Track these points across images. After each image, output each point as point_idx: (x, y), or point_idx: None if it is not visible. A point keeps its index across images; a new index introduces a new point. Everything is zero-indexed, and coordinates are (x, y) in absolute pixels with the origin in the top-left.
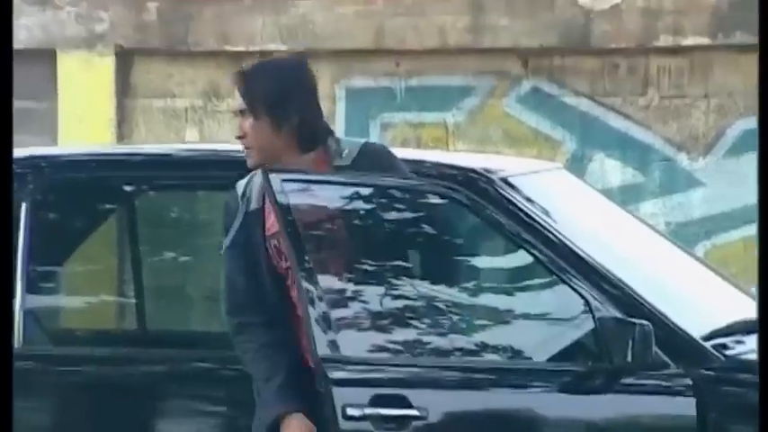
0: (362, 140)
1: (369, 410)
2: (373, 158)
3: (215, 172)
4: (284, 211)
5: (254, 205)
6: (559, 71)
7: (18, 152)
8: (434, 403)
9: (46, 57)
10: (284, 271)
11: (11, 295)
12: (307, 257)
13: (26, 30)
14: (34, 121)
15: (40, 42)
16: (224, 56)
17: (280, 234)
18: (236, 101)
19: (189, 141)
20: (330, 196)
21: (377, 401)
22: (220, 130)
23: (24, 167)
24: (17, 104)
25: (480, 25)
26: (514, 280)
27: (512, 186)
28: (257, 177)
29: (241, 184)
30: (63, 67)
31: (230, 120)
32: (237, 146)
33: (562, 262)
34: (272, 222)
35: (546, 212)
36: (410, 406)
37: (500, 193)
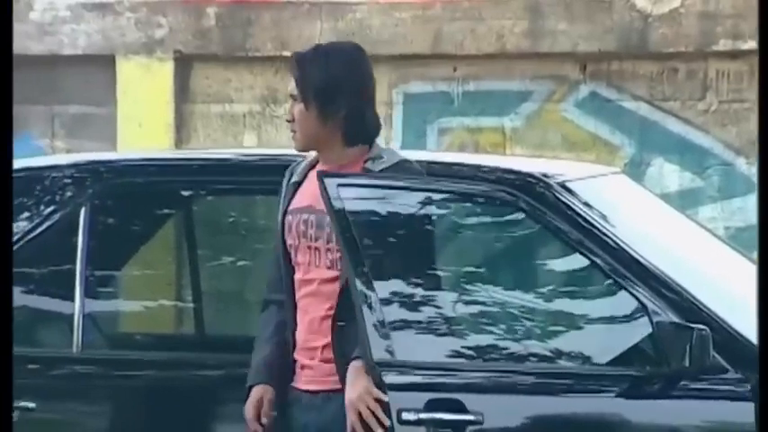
0: (404, 157)
1: (424, 415)
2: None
3: (273, 177)
4: (340, 216)
5: (294, 179)
6: (618, 76)
7: (77, 157)
8: (490, 408)
9: (105, 62)
10: (287, 246)
11: (11, 295)
12: (363, 262)
13: (86, 35)
14: (93, 126)
15: (100, 48)
16: (282, 61)
17: (294, 211)
18: (290, 83)
19: (247, 146)
20: (385, 200)
21: (432, 406)
22: (278, 136)
23: (84, 172)
24: (77, 109)
25: (538, 30)
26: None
27: (570, 191)
28: (306, 160)
29: (295, 163)
30: (122, 73)
31: (288, 125)
32: (295, 151)
33: (620, 267)
34: (300, 198)
35: (604, 217)
36: (466, 411)
37: (558, 198)
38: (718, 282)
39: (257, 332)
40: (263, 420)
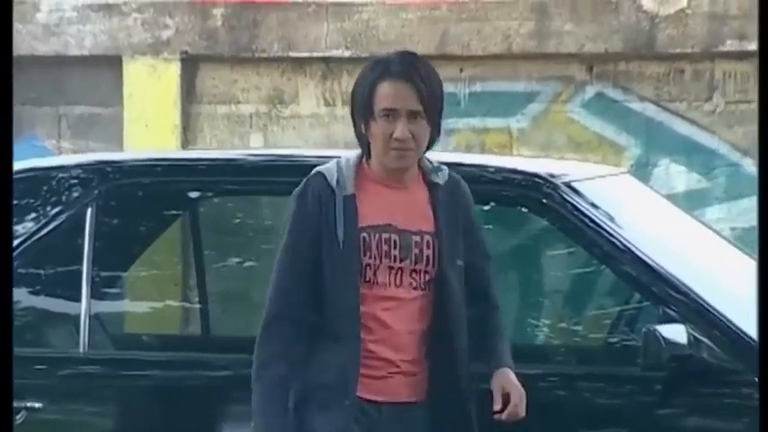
0: (444, 166)
1: None
2: (459, 188)
3: (279, 177)
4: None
5: (350, 191)
6: (624, 76)
7: (84, 157)
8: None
9: (112, 63)
10: (362, 265)
11: (10, 295)
12: None
13: (92, 36)
14: (100, 126)
15: (107, 49)
16: (288, 62)
17: (370, 229)
18: (407, 100)
19: (253, 147)
20: None
21: None
22: (284, 136)
23: (90, 173)
24: (84, 110)
25: (545, 30)
26: (577, 283)
27: (576, 192)
28: (344, 163)
29: (330, 171)
30: (129, 74)
31: (294, 125)
32: (301, 151)
33: (627, 267)
34: (368, 214)
35: (611, 218)
36: None
37: (565, 199)
38: (724, 282)
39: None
40: None
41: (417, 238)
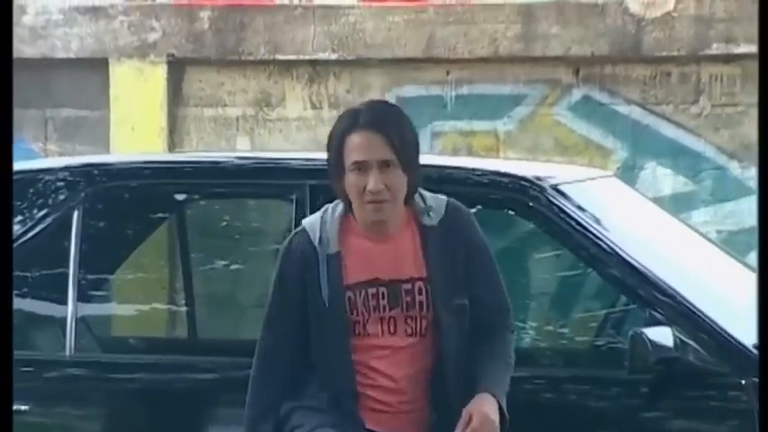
0: (444, 198)
1: None
2: (459, 224)
3: (266, 180)
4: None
5: (333, 249)
6: (611, 79)
7: (70, 160)
8: None
9: (98, 66)
10: (352, 324)
11: (10, 296)
12: None
13: (79, 39)
14: (86, 129)
15: (93, 52)
16: (275, 65)
17: (356, 287)
18: (378, 152)
19: (240, 150)
20: None
21: None
22: (271, 139)
23: (76, 175)
24: (70, 113)
25: (531, 33)
26: (564, 285)
27: (563, 194)
28: (328, 216)
29: (313, 227)
30: (115, 76)
31: (281, 128)
32: (288, 154)
33: (613, 270)
34: (353, 272)
35: (597, 220)
36: None
37: (551, 201)
38: (711, 285)
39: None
40: None
41: (408, 286)
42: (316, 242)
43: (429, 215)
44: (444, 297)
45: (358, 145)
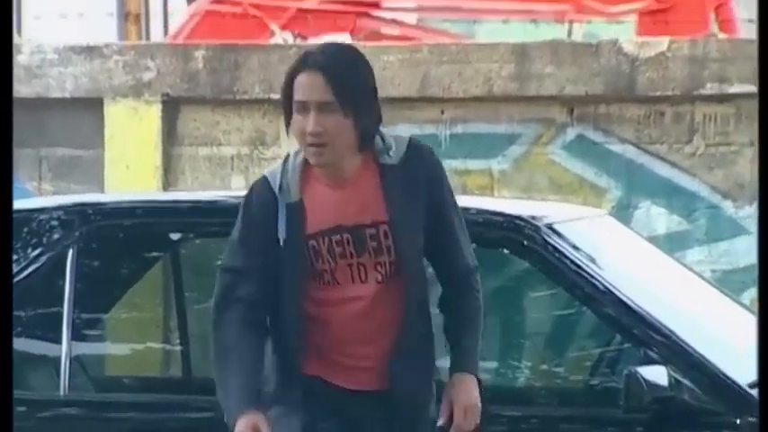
0: (407, 137)
1: None
2: (421, 161)
3: None
4: None
5: (294, 197)
6: (605, 119)
7: (65, 199)
8: None
9: (93, 105)
10: (317, 271)
11: (10, 297)
12: None
13: (74, 78)
14: (81, 168)
15: (88, 91)
16: (270, 103)
17: (318, 235)
18: (316, 91)
19: (235, 189)
20: None
21: None
22: None
23: (71, 215)
24: (65, 152)
25: (525, 73)
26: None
27: (557, 233)
28: (290, 164)
29: (274, 175)
30: (110, 116)
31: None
32: None
33: (608, 309)
34: (315, 220)
35: (591, 259)
36: None
37: (546, 240)
38: (705, 325)
39: (229, 351)
40: None
41: (372, 231)
42: (276, 190)
43: (389, 154)
44: (408, 240)
45: (301, 85)
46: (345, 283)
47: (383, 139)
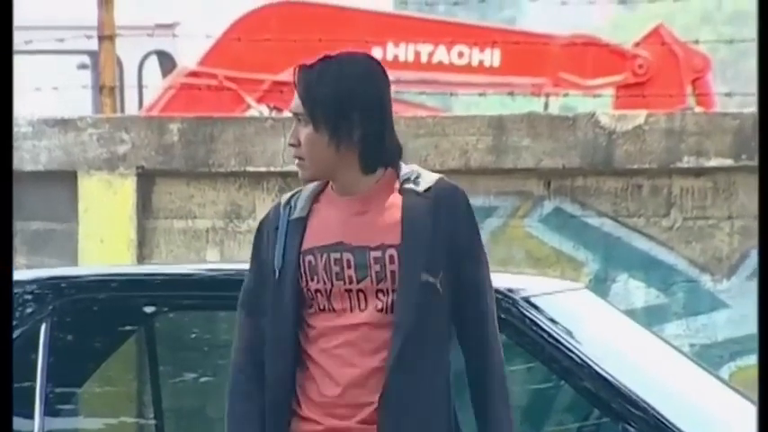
0: (437, 175)
1: None
2: (447, 194)
3: (236, 292)
4: None
5: (299, 214)
6: (582, 192)
7: (38, 272)
8: None
9: (67, 178)
10: (311, 292)
11: (10, 297)
12: None
13: (47, 151)
14: (55, 242)
15: (61, 164)
16: (245, 176)
17: (316, 250)
18: (294, 102)
19: (210, 261)
20: None
21: None
22: (241, 251)
23: (45, 288)
24: (39, 226)
25: (502, 146)
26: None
27: (535, 306)
28: (309, 187)
29: (287, 196)
30: (84, 189)
31: (251, 240)
32: None
33: (586, 383)
34: (316, 236)
35: (569, 333)
36: None
37: (523, 313)
38: (684, 398)
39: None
40: None
41: (377, 254)
42: (281, 209)
43: (416, 182)
44: (411, 268)
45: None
46: (341, 311)
47: (411, 169)
